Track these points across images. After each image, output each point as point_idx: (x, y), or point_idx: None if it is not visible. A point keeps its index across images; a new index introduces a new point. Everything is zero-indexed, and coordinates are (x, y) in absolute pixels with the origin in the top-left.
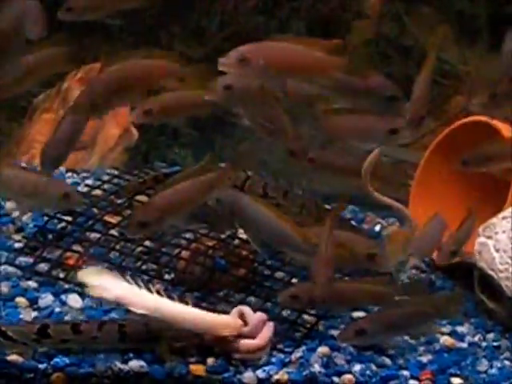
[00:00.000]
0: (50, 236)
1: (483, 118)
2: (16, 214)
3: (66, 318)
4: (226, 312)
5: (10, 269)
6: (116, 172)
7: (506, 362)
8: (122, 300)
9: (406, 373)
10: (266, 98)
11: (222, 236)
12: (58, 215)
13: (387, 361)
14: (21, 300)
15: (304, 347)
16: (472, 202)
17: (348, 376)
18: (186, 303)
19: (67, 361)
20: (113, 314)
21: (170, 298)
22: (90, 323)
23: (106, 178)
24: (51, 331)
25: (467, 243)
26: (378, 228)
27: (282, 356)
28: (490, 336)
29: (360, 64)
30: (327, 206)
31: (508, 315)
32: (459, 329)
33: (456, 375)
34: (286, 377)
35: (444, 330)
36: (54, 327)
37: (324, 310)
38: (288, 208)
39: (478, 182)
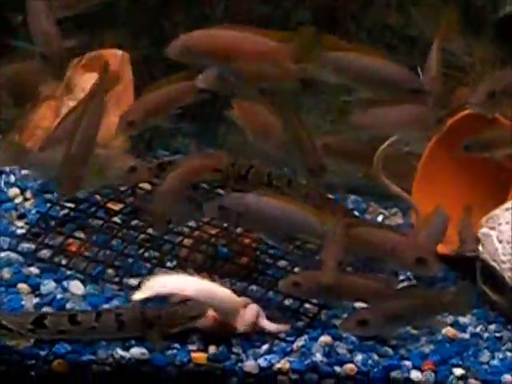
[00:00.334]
0: (53, 222)
1: None
2: (19, 200)
3: (68, 304)
4: None
5: (13, 255)
6: None
7: (508, 353)
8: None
9: (407, 363)
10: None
11: (225, 224)
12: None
13: (389, 351)
14: (23, 286)
15: (306, 336)
16: (475, 193)
17: (350, 365)
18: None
19: (68, 348)
20: (115, 302)
21: None
22: (87, 314)
23: None
24: (48, 322)
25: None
26: (380, 218)
27: (283, 345)
28: (492, 327)
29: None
30: (330, 196)
31: (510, 306)
32: (461, 320)
33: (458, 366)
34: (287, 366)
35: (446, 320)
36: (51, 318)
37: (324, 300)
38: (292, 197)
39: (482, 173)
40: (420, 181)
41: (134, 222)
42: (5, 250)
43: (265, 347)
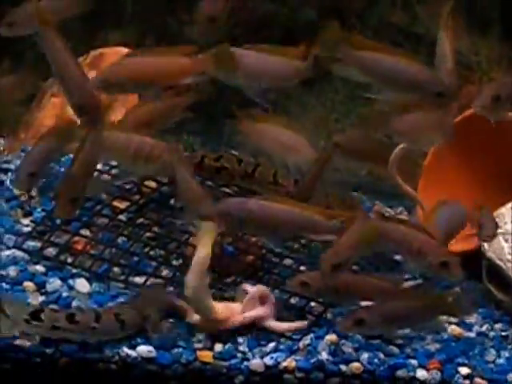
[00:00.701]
0: (58, 221)
1: None
2: (24, 198)
3: (74, 302)
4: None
5: (18, 253)
6: None
7: None
8: None
9: (413, 362)
10: None
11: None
12: None
13: (395, 349)
14: (29, 284)
15: (312, 335)
16: (481, 191)
17: (356, 364)
18: None
19: (75, 346)
20: (120, 299)
21: None
22: (86, 314)
23: (114, 163)
24: (44, 316)
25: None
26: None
27: (289, 343)
28: (498, 326)
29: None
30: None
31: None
32: (467, 319)
33: (464, 365)
34: (293, 364)
35: (452, 319)
36: (48, 313)
37: (332, 300)
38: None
39: (487, 171)
40: (425, 180)
41: (140, 220)
42: (11, 248)
43: (271, 345)
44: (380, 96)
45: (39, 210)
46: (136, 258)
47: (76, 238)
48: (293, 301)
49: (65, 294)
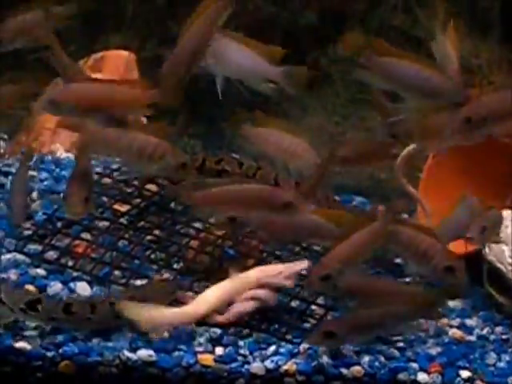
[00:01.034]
0: (59, 224)
1: None
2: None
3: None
4: None
5: (19, 256)
6: None
7: None
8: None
9: (414, 365)
10: None
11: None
12: None
13: (396, 353)
14: (29, 288)
15: None
16: (481, 195)
17: (357, 367)
18: None
19: (75, 349)
20: None
21: None
22: (82, 305)
23: (115, 166)
24: (40, 307)
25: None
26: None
27: (290, 347)
28: (499, 329)
29: None
30: (337, 198)
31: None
32: (468, 322)
33: (464, 368)
34: (294, 367)
35: (453, 322)
36: (45, 304)
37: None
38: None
39: (488, 173)
40: (426, 182)
41: (141, 224)
42: (11, 252)
43: (271, 349)
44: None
45: (40, 213)
46: (137, 262)
47: (77, 242)
48: (293, 304)
49: (66, 298)
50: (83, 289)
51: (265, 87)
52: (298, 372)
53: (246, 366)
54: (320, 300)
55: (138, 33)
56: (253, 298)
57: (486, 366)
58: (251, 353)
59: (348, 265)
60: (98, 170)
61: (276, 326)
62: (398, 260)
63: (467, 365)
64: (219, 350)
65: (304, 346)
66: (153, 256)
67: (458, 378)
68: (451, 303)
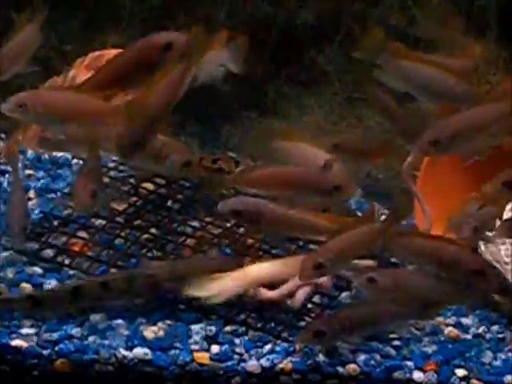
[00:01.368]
0: (56, 222)
1: None
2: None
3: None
4: None
5: (16, 254)
6: None
7: (511, 354)
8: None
9: (410, 363)
10: None
11: (228, 224)
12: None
13: (392, 351)
14: (26, 286)
15: None
16: (477, 192)
17: (352, 366)
18: None
19: (71, 347)
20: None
21: None
22: (119, 280)
23: (111, 164)
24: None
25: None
26: (382, 218)
27: (286, 345)
28: (495, 328)
29: None
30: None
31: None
32: (464, 320)
33: (460, 366)
34: (290, 366)
35: (449, 321)
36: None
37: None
38: None
39: (485, 172)
40: (423, 181)
41: (137, 222)
42: (8, 250)
43: (267, 347)
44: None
45: (37, 211)
46: (133, 260)
47: (73, 240)
48: (289, 302)
49: None
50: None
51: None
52: (294, 370)
53: (242, 365)
54: (316, 298)
55: (135, 32)
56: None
57: (481, 365)
58: (247, 351)
59: (342, 258)
60: None
61: (272, 324)
62: (394, 259)
63: (463, 363)
64: (215, 348)
65: (300, 344)
66: (149, 254)
67: (454, 377)
68: None
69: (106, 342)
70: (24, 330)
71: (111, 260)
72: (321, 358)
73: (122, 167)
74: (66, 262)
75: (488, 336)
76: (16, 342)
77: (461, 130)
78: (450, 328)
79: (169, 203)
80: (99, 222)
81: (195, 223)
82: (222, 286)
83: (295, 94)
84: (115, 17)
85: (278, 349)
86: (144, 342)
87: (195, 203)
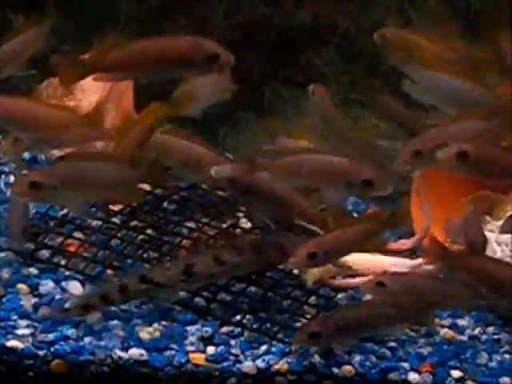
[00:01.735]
0: (52, 223)
1: None
2: None
3: (67, 305)
4: None
5: (12, 255)
6: None
7: (506, 356)
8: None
9: (405, 365)
10: None
11: (224, 225)
12: None
13: (387, 352)
14: (22, 286)
15: None
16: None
17: (348, 367)
18: None
19: (67, 348)
20: None
21: None
22: (204, 262)
23: None
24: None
25: None
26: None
27: (281, 346)
28: (490, 329)
29: None
30: None
31: (509, 309)
32: (459, 322)
33: (455, 368)
34: (285, 367)
35: (444, 322)
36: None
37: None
38: None
39: (479, 181)
40: (419, 182)
41: (133, 223)
42: (4, 250)
43: (263, 348)
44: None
45: (33, 212)
46: (129, 261)
47: (69, 241)
48: (285, 303)
49: (58, 297)
50: (75, 288)
51: None
52: (290, 371)
53: (238, 366)
54: (312, 300)
55: (133, 33)
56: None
57: (477, 366)
58: (243, 352)
59: (337, 252)
60: None
61: (268, 325)
62: None
63: (458, 365)
64: (211, 349)
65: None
66: (145, 255)
67: (449, 378)
68: None
69: (102, 343)
70: (20, 331)
71: (107, 261)
72: (316, 358)
73: None
74: (62, 262)
75: (484, 337)
76: (11, 343)
77: (443, 141)
78: (446, 329)
79: (165, 204)
80: (95, 222)
81: (191, 224)
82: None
83: (292, 95)
84: (113, 17)
85: (273, 350)
86: (140, 342)
87: (191, 204)
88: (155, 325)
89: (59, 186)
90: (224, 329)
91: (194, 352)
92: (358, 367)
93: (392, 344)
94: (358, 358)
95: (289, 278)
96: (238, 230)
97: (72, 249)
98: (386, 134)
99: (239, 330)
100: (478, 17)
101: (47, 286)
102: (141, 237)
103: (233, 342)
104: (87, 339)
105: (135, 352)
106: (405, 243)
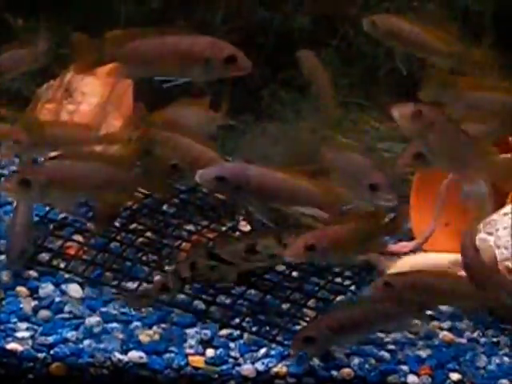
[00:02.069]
0: (51, 226)
1: None
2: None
3: (66, 307)
4: None
5: None
6: None
7: (505, 358)
8: None
9: (404, 367)
10: None
11: (223, 228)
12: None
13: (386, 355)
14: (21, 289)
15: None
16: None
17: (347, 370)
18: None
19: (67, 351)
20: (113, 305)
21: None
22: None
23: None
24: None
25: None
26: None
27: (281, 349)
28: (489, 332)
29: None
30: None
31: (507, 312)
32: (458, 324)
33: (454, 370)
34: (284, 370)
35: (443, 325)
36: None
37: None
38: None
39: None
40: (418, 185)
41: (133, 226)
42: (4, 253)
43: (262, 351)
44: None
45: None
46: (129, 263)
47: (69, 243)
48: (284, 306)
49: (57, 299)
50: (75, 290)
51: None
52: (289, 374)
53: (237, 368)
54: (311, 303)
55: None
56: None
57: (476, 369)
58: (242, 355)
59: (335, 247)
60: None
61: (267, 328)
62: None
63: (457, 367)
64: (210, 352)
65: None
66: (144, 258)
67: (448, 381)
68: (442, 306)
69: (102, 346)
70: (19, 334)
71: (107, 263)
72: (315, 361)
73: None
74: (62, 265)
75: (483, 340)
76: (11, 346)
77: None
78: (445, 332)
79: (164, 207)
80: None
81: (190, 227)
82: None
83: (291, 98)
84: (112, 20)
85: (272, 353)
86: (139, 345)
87: (191, 207)
88: (155, 327)
89: (48, 184)
90: (223, 331)
91: (193, 355)
92: (357, 370)
93: (391, 347)
94: (357, 360)
95: (288, 280)
96: (237, 233)
97: (71, 252)
98: (386, 137)
99: (238, 332)
100: (477, 19)
101: (47, 288)
102: (140, 239)
103: (232, 345)
104: (87, 342)
105: (135, 355)
106: (405, 245)
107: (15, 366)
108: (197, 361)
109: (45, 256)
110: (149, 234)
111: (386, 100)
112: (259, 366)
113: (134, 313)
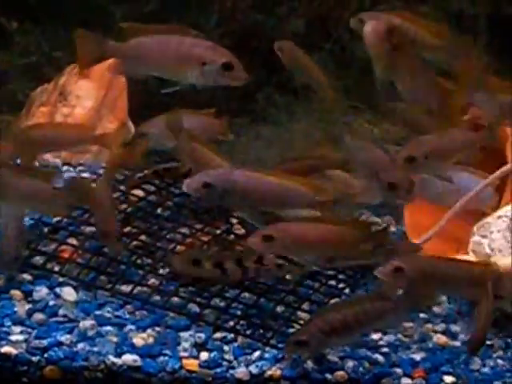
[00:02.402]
0: (46, 229)
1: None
2: None
3: (60, 311)
4: None
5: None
6: None
7: (499, 361)
8: None
9: (398, 370)
10: None
11: (217, 231)
12: None
13: (380, 358)
14: (16, 292)
15: None
16: None
17: (340, 373)
18: None
19: (61, 354)
20: (107, 308)
21: None
22: None
23: (102, 171)
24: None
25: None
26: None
27: (275, 352)
28: None
29: None
30: None
31: (502, 314)
32: (452, 327)
33: (448, 373)
34: (278, 373)
35: (437, 328)
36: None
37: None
38: None
39: None
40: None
41: (127, 229)
42: None
43: (256, 354)
44: None
45: (27, 218)
46: (123, 267)
47: (63, 247)
48: (278, 309)
49: (52, 303)
50: (69, 294)
51: None
52: (283, 377)
53: (231, 371)
54: (305, 305)
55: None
56: None
57: (470, 372)
58: (236, 358)
59: (300, 242)
60: (85, 175)
61: (261, 331)
62: None
63: (451, 370)
64: (204, 355)
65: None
66: (139, 261)
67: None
68: (436, 308)
69: (96, 349)
70: (13, 337)
71: (101, 267)
72: (309, 364)
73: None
74: (56, 268)
75: None
76: (5, 349)
77: (436, 148)
78: (439, 335)
79: (158, 210)
80: (89, 228)
81: (185, 230)
82: None
83: (285, 101)
84: (106, 23)
85: (266, 356)
86: (133, 348)
87: (185, 210)
88: (149, 331)
89: None
90: (217, 334)
91: (187, 358)
92: (351, 373)
93: (385, 349)
94: (350, 363)
95: (282, 283)
96: (232, 236)
97: (66, 255)
98: (380, 139)
99: (232, 335)
100: (470, 22)
101: (41, 292)
102: (134, 243)
103: (226, 348)
104: (81, 345)
105: (129, 358)
106: None
107: (9, 370)
108: (191, 364)
109: (39, 259)
110: (143, 237)
111: (380, 102)
112: (253, 369)
113: (128, 316)
